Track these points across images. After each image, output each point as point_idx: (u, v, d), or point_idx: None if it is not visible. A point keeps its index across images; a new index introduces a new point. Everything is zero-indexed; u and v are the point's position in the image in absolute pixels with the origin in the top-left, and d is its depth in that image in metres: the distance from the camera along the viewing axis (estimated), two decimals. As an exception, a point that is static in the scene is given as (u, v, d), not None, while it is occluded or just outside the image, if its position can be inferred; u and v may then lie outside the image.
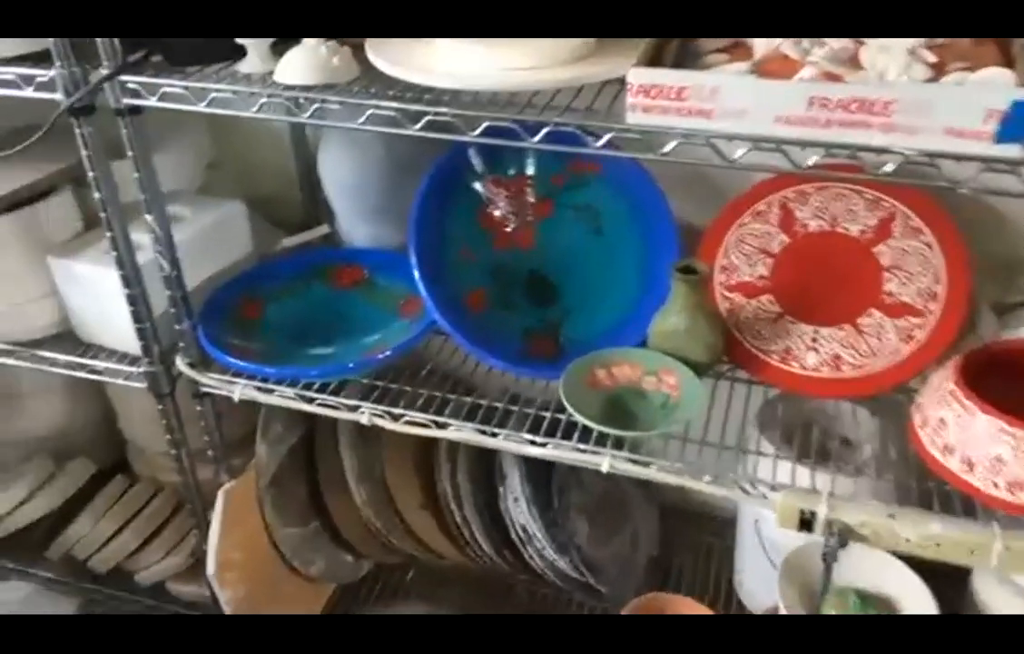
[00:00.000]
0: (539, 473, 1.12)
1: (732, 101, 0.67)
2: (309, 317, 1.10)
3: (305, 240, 1.19)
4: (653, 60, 0.72)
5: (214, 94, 0.84)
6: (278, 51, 0.84)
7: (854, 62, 0.71)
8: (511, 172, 1.06)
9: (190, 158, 1.20)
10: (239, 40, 0.86)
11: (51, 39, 0.84)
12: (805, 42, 0.73)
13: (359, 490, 1.12)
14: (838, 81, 0.67)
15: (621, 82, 0.70)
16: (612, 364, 0.93)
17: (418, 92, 0.80)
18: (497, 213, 1.06)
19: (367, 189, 1.09)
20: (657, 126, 0.70)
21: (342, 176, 1.10)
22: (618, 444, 0.87)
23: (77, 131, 0.89)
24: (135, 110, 0.88)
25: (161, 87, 0.85)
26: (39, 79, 0.88)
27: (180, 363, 1.03)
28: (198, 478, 1.16)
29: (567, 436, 0.89)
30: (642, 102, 0.69)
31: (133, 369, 1.05)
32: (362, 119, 0.80)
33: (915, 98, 0.63)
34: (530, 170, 1.06)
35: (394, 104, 0.79)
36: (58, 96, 0.87)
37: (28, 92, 0.89)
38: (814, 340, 0.93)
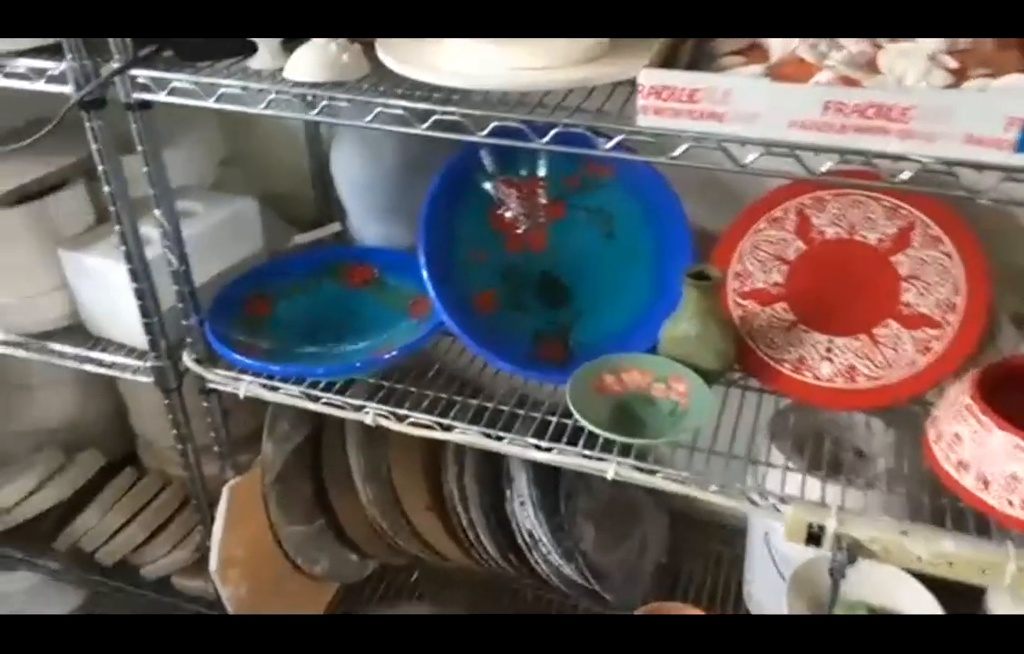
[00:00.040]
0: (547, 477, 1.10)
1: (745, 104, 0.65)
2: (319, 315, 1.10)
3: (317, 237, 1.18)
4: (667, 61, 0.70)
5: (223, 89, 0.83)
6: (289, 48, 0.84)
7: (872, 67, 0.69)
8: (523, 173, 1.05)
9: (202, 154, 1.20)
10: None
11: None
12: (822, 45, 0.71)
13: (365, 489, 1.12)
14: (855, 86, 0.65)
15: (633, 83, 0.69)
16: (621, 369, 0.92)
17: (427, 91, 0.79)
18: (508, 214, 1.05)
19: (379, 188, 1.09)
20: (668, 128, 0.68)
21: (354, 174, 1.10)
22: (625, 451, 0.86)
23: (87, 125, 0.89)
24: (145, 104, 0.88)
25: (171, 82, 0.85)
26: (50, 72, 0.88)
27: (187, 359, 1.03)
28: (204, 474, 1.16)
29: (573, 441, 0.88)
30: (653, 104, 0.68)
31: (140, 363, 1.05)
32: (370, 117, 0.79)
33: (934, 104, 0.61)
34: (542, 171, 1.05)
35: (402, 102, 0.78)
36: (69, 89, 0.87)
37: (39, 85, 0.89)
38: (828, 350, 0.91)
